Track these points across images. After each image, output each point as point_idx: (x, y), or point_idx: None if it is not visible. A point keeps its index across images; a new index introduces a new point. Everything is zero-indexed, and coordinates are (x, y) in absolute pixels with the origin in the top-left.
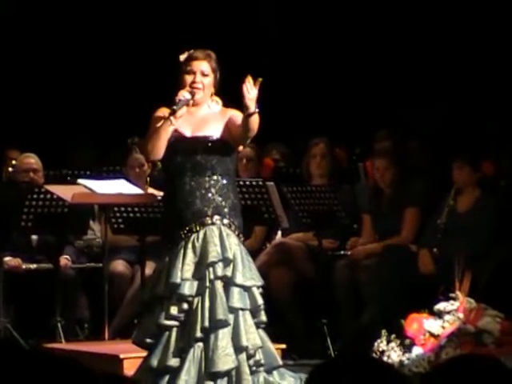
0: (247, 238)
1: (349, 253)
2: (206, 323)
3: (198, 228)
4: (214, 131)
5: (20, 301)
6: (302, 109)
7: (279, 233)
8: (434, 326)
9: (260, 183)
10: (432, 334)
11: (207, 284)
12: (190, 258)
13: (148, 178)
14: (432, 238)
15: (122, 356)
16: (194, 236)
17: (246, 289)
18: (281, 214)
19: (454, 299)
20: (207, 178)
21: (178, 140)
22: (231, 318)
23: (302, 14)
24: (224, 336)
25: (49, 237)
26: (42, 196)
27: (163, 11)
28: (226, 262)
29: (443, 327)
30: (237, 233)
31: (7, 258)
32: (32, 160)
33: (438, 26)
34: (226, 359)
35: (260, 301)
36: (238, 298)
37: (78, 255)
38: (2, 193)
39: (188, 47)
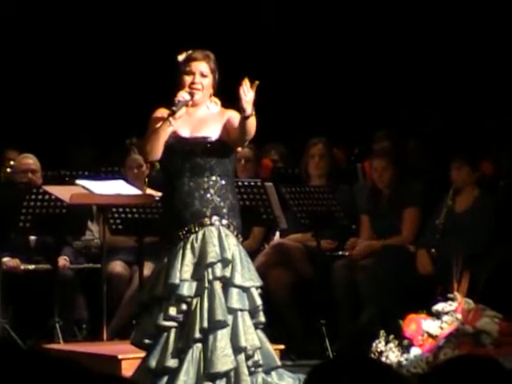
0: (245, 239)
1: (347, 253)
2: (205, 324)
3: (196, 229)
4: (213, 132)
5: (18, 301)
6: (300, 109)
7: (277, 233)
8: (432, 327)
9: (258, 184)
10: (430, 335)
11: (206, 285)
12: (189, 259)
13: (146, 179)
14: (430, 239)
15: (120, 357)
16: (192, 237)
17: (245, 289)
18: (279, 214)
19: (453, 300)
20: (206, 179)
21: (176, 141)
22: (230, 318)
23: (302, 15)
24: (223, 337)
25: (47, 237)
26: (40, 197)
27: (162, 11)
28: (225, 262)
29: (441, 328)
30: (235, 233)
31: (5, 259)
32: (30, 161)
33: (438, 26)
34: (224, 360)
35: (259, 301)
36: (236, 299)
37: (76, 256)
38: (0, 193)
39: (187, 47)
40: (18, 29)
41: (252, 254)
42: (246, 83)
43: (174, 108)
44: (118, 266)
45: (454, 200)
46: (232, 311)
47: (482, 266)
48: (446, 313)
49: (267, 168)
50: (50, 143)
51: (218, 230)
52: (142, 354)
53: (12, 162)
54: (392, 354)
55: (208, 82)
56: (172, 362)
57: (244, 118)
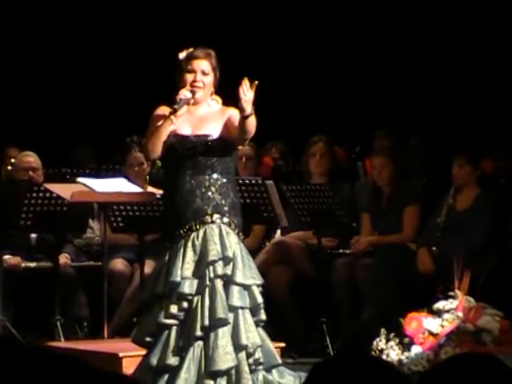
0: (246, 237)
1: (348, 251)
2: (206, 322)
3: (197, 227)
4: (214, 130)
5: (19, 299)
6: (301, 107)
7: (278, 231)
8: (433, 325)
9: (259, 182)
10: (431, 333)
11: (207, 283)
12: (190, 257)
13: (147, 177)
14: (431, 237)
15: (121, 354)
16: (193, 235)
17: (246, 287)
18: (280, 212)
19: (453, 298)
20: (207, 177)
21: (177, 139)
22: (231, 316)
23: (303, 14)
24: (224, 335)
25: (48, 235)
26: (41, 194)
27: (162, 10)
28: (226, 260)
29: (442, 326)
30: (237, 231)
31: (6, 257)
32: (31, 158)
33: (438, 26)
34: (225, 358)
35: (260, 299)
36: (237, 297)
37: (78, 254)
38: (1, 191)
39: (187, 45)
40: (18, 28)
41: (253, 252)
42: (245, 83)
43: (176, 106)
44: (118, 264)
45: (455, 198)
46: (233, 309)
47: (482, 264)
48: (447, 311)
49: (268, 166)
50: (50, 141)
51: (219, 228)
52: (143, 352)
53: (13, 160)
54: (393, 352)
55: (209, 80)
56: (173, 360)
57: (243, 118)
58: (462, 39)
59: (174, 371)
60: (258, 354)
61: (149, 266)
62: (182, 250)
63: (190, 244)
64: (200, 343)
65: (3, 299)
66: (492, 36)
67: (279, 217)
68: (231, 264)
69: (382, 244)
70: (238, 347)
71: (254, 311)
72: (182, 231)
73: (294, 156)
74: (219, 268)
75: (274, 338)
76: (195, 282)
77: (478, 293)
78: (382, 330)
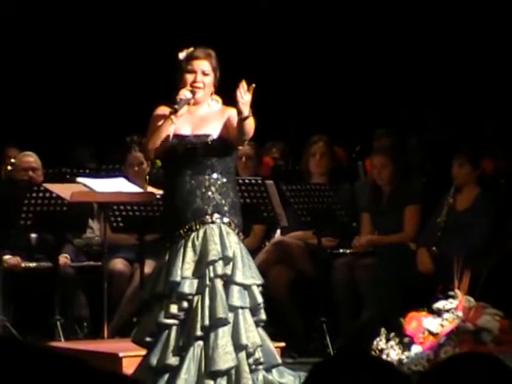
0: (246, 237)
1: (348, 251)
2: (206, 322)
3: (197, 226)
4: (214, 130)
5: (19, 299)
6: (301, 107)
7: (278, 231)
8: (433, 325)
9: (259, 182)
10: (431, 333)
11: (207, 282)
12: (190, 257)
13: (147, 177)
14: (431, 237)
15: (121, 354)
16: (193, 234)
17: (246, 287)
18: (280, 212)
19: (453, 297)
20: (207, 177)
21: (177, 139)
22: (231, 316)
23: (303, 13)
24: (224, 334)
25: (48, 235)
26: (41, 194)
27: (161, 9)
28: (226, 260)
29: (442, 325)
30: (237, 231)
31: (6, 257)
32: (31, 158)
33: (438, 26)
34: (225, 358)
35: (260, 299)
36: (237, 297)
37: (77, 254)
38: (1, 191)
39: (187, 45)
40: (18, 28)
41: (253, 251)
42: (242, 86)
43: (176, 106)
44: (118, 264)
45: (455, 198)
46: (233, 309)
47: (482, 263)
48: (447, 310)
49: (268, 166)
50: (50, 141)
51: (219, 227)
52: (143, 352)
53: (13, 160)
54: (393, 352)
55: (209, 80)
56: (173, 360)
57: (241, 120)
58: (461, 39)
59: (174, 371)
60: (258, 354)
61: (149, 266)
62: (182, 249)
63: (190, 244)
64: (200, 343)
65: (3, 299)
66: (492, 36)
67: (279, 216)
68: (231, 264)
69: (382, 243)
70: (238, 347)
71: (253, 311)
72: (182, 231)
73: (294, 156)
74: (219, 268)
75: (273, 338)
76: (195, 281)
77: (478, 292)
78: (382, 330)
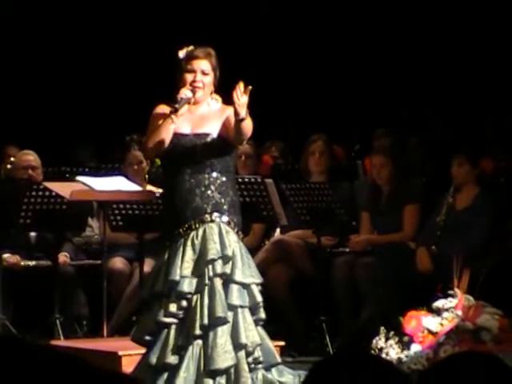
0: (246, 236)
1: (347, 250)
2: (205, 320)
3: (197, 225)
4: (214, 129)
5: (18, 298)
6: (300, 106)
7: (278, 230)
8: (432, 324)
9: (259, 180)
10: (430, 332)
11: (206, 281)
12: (190, 256)
13: (147, 175)
14: (430, 236)
15: (120, 353)
16: (193, 233)
17: (246, 286)
18: (279, 211)
19: (453, 296)
20: (206, 175)
21: (177, 137)
22: (230, 315)
23: (303, 13)
24: (223, 333)
25: (47, 234)
26: (40, 193)
27: (161, 8)
28: (226, 259)
29: (442, 324)
30: (236, 230)
31: (6, 255)
32: (30, 157)
33: (438, 26)
34: (225, 356)
35: (259, 298)
36: (237, 296)
37: (77, 252)
38: (1, 190)
39: (186, 43)
40: (18, 28)
41: (252, 250)
42: (239, 87)
43: (177, 105)
44: (118, 263)
45: (455, 197)
46: (232, 308)
47: (482, 262)
48: (446, 309)
49: (267, 165)
50: (50, 139)
51: (218, 226)
52: (143, 351)
53: (12, 159)
54: (392, 351)
55: (209, 79)
56: (172, 359)
57: (238, 122)
58: (461, 39)
59: (174, 370)
60: (258, 353)
61: (148, 265)
62: (181, 248)
63: (189, 243)
64: (199, 342)
65: (3, 298)
66: (492, 36)
67: (279, 215)
68: (230, 263)
69: (381, 243)
70: (237, 346)
71: (253, 310)
72: (181, 230)
73: (293, 154)
74: (218, 267)
75: (273, 337)
76: (194, 280)
77: (478, 291)
78: (382, 329)
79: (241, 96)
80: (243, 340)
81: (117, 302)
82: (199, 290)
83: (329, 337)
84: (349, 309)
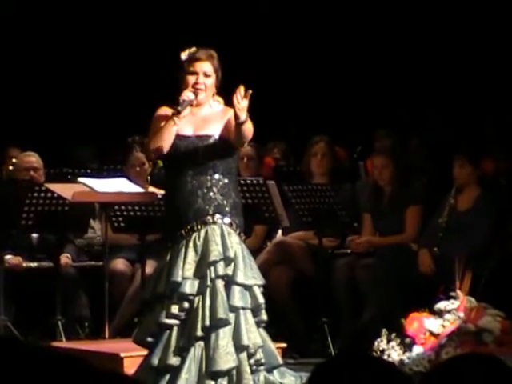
0: (248, 237)
1: (349, 251)
2: (207, 322)
3: (199, 227)
4: (216, 130)
5: (20, 299)
6: (302, 107)
7: (279, 231)
8: (434, 325)
9: (260, 182)
10: (432, 333)
11: (208, 283)
12: (191, 257)
13: (149, 177)
14: (432, 237)
15: (122, 355)
16: (195, 235)
17: (247, 288)
18: (281, 212)
19: (455, 298)
20: (209, 177)
21: (179, 139)
22: (232, 316)
23: (303, 14)
24: (225, 335)
25: (49, 235)
26: (42, 194)
27: (163, 10)
28: (228, 260)
29: (443, 326)
30: (238, 232)
31: (8, 257)
32: (32, 158)
33: (438, 27)
34: (226, 358)
35: (261, 300)
36: (239, 297)
37: (79, 254)
38: (3, 191)
39: (188, 45)
40: (18, 28)
41: (254, 252)
42: (239, 91)
43: (179, 107)
44: (120, 264)
45: (456, 198)
46: (234, 309)
47: (484, 264)
48: (448, 311)
49: (269, 166)
50: (52, 141)
51: (220, 228)
52: (144, 352)
53: (14, 160)
54: (394, 353)
55: (211, 81)
56: (174, 360)
57: (238, 125)
58: (461, 39)
59: (175, 371)
60: (259, 355)
61: (150, 266)
62: (183, 250)
63: (191, 244)
64: (201, 343)
65: (4, 299)
66: (492, 36)
67: (280, 217)
68: (232, 264)
69: (383, 244)
70: (239, 348)
71: (255, 311)
72: (183, 231)
73: (295, 156)
74: (220, 268)
75: (275, 339)
76: (196, 282)
77: (479, 293)
78: (384, 331)
79: (241, 100)
80: (245, 342)
81: (119, 303)
82: (201, 291)
83: (330, 338)
84: (350, 310)
